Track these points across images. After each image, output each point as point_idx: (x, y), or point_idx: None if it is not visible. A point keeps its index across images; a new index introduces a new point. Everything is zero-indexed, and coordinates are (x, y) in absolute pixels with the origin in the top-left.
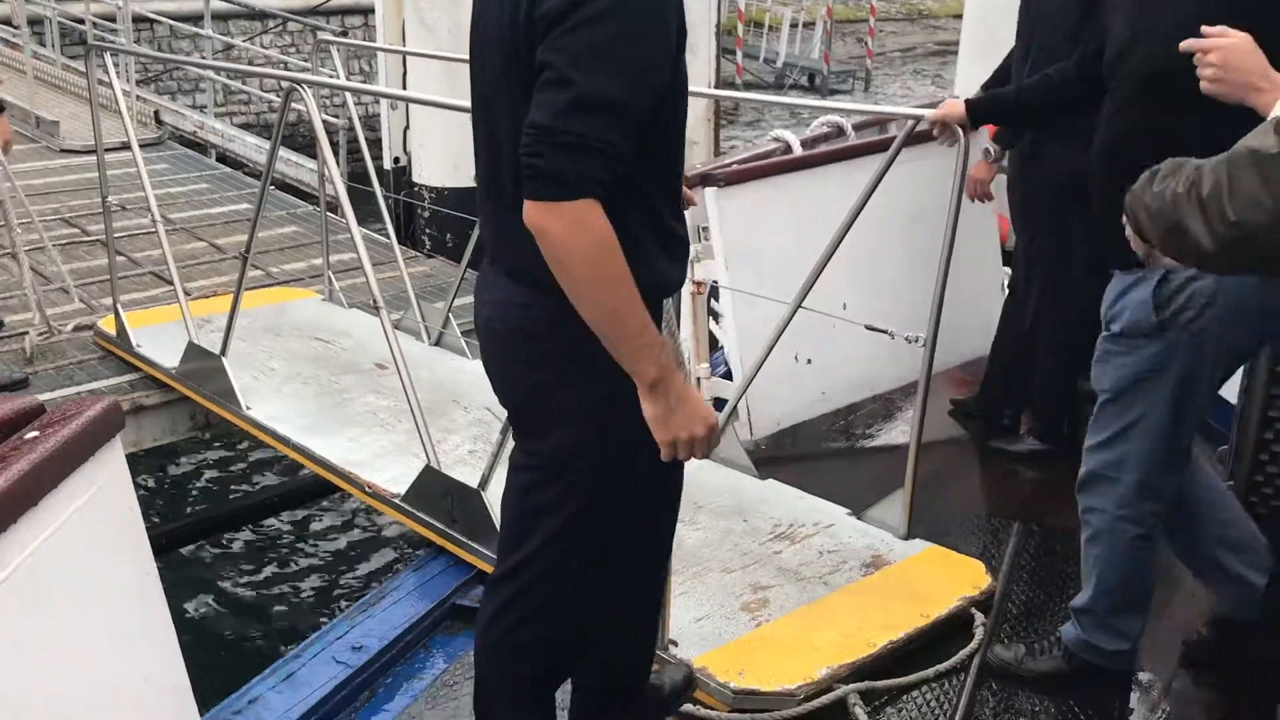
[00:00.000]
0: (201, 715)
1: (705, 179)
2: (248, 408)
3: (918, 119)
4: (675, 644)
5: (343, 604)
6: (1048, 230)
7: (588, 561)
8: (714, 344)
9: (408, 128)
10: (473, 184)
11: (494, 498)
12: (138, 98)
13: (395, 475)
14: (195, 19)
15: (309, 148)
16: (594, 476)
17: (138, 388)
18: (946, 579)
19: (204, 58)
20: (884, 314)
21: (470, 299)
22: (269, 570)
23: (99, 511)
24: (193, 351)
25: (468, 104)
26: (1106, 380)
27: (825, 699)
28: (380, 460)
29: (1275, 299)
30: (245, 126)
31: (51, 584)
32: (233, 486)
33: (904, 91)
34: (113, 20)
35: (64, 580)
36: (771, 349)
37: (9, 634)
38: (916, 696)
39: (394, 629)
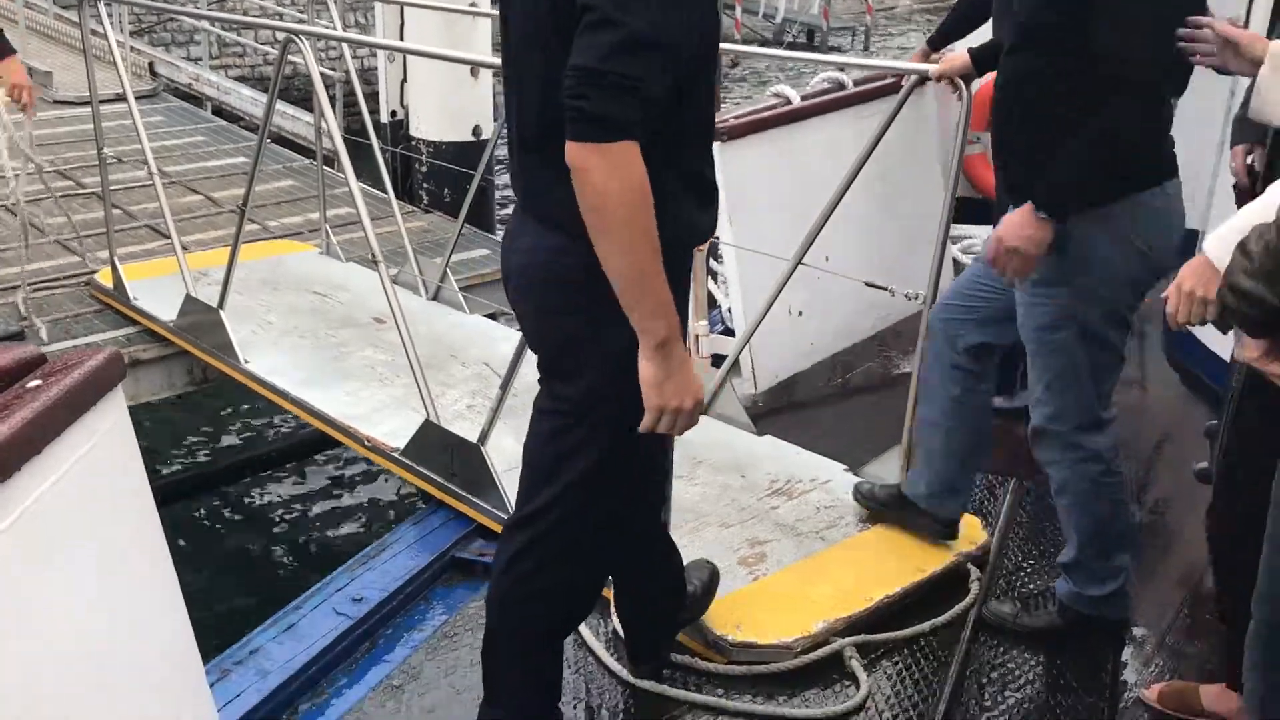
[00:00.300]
0: (203, 665)
1: None
2: (246, 361)
3: (923, 75)
4: None
5: (342, 557)
6: None
7: (609, 508)
8: (710, 303)
9: (405, 81)
10: (470, 138)
11: (493, 452)
12: (132, 49)
13: (394, 429)
14: None
15: (305, 101)
16: (620, 421)
17: (135, 342)
18: None
19: (199, 8)
20: (873, 267)
21: (469, 254)
22: (268, 524)
23: (102, 460)
24: (190, 305)
25: (466, 55)
26: (1027, 332)
27: (821, 652)
28: (379, 414)
29: (1158, 233)
30: (241, 79)
31: (56, 532)
32: (231, 440)
33: (904, 46)
34: None
35: (68, 528)
36: (773, 303)
37: (14, 580)
38: (912, 650)
39: (394, 581)
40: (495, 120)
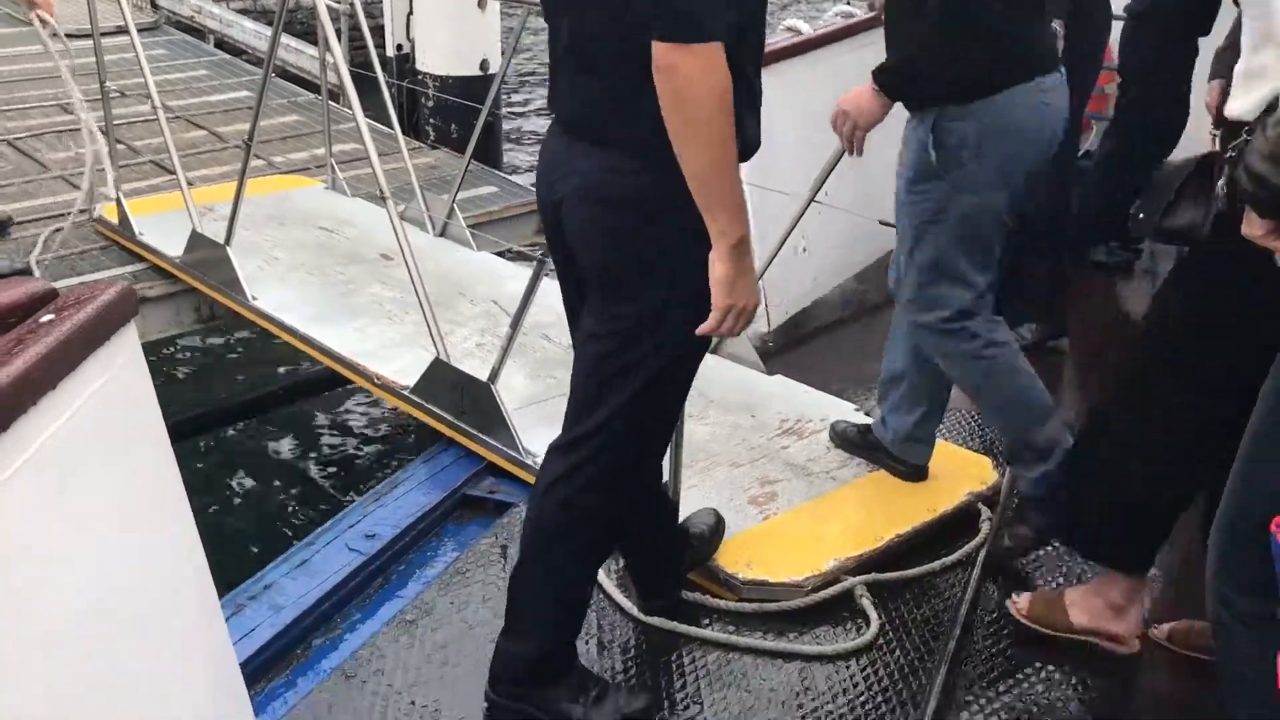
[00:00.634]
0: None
1: None
2: (253, 298)
3: None
4: None
5: (353, 494)
6: None
7: (656, 430)
8: None
9: (411, 13)
10: (478, 72)
11: (504, 390)
12: None
13: (403, 367)
14: None
15: (309, 34)
16: (675, 340)
17: (141, 279)
18: (954, 474)
19: None
20: (872, 200)
21: (476, 191)
22: (277, 460)
23: (116, 396)
24: (196, 240)
25: None
26: (904, 229)
27: (832, 590)
28: (388, 351)
29: (1030, 130)
30: (243, 12)
31: (73, 467)
32: (239, 378)
33: None
34: None
35: (85, 463)
36: (786, 240)
37: (33, 514)
38: (923, 588)
39: (406, 518)
40: (503, 55)
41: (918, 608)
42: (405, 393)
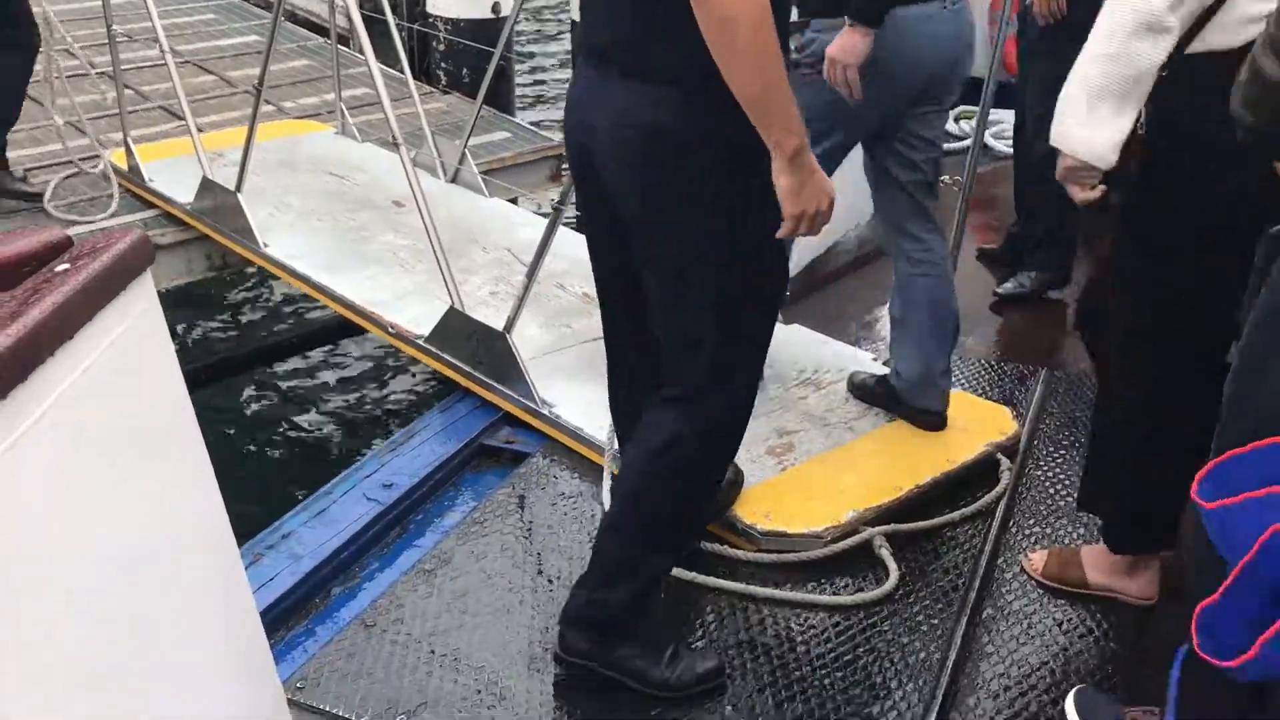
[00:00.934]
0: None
1: None
2: (265, 245)
3: None
4: None
5: (369, 444)
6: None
7: (752, 359)
8: None
9: None
10: (489, 15)
11: (519, 340)
12: None
13: (417, 316)
14: None
15: None
16: (736, 265)
17: (151, 226)
18: (973, 424)
19: None
20: None
21: (488, 137)
22: (293, 410)
23: (134, 346)
24: (207, 187)
25: None
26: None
27: (851, 541)
28: (402, 301)
29: (925, 51)
30: None
31: (91, 418)
32: (253, 327)
33: None
34: None
35: (103, 414)
36: None
37: (53, 465)
38: (942, 539)
39: (423, 467)
40: None
41: (937, 558)
42: (420, 342)
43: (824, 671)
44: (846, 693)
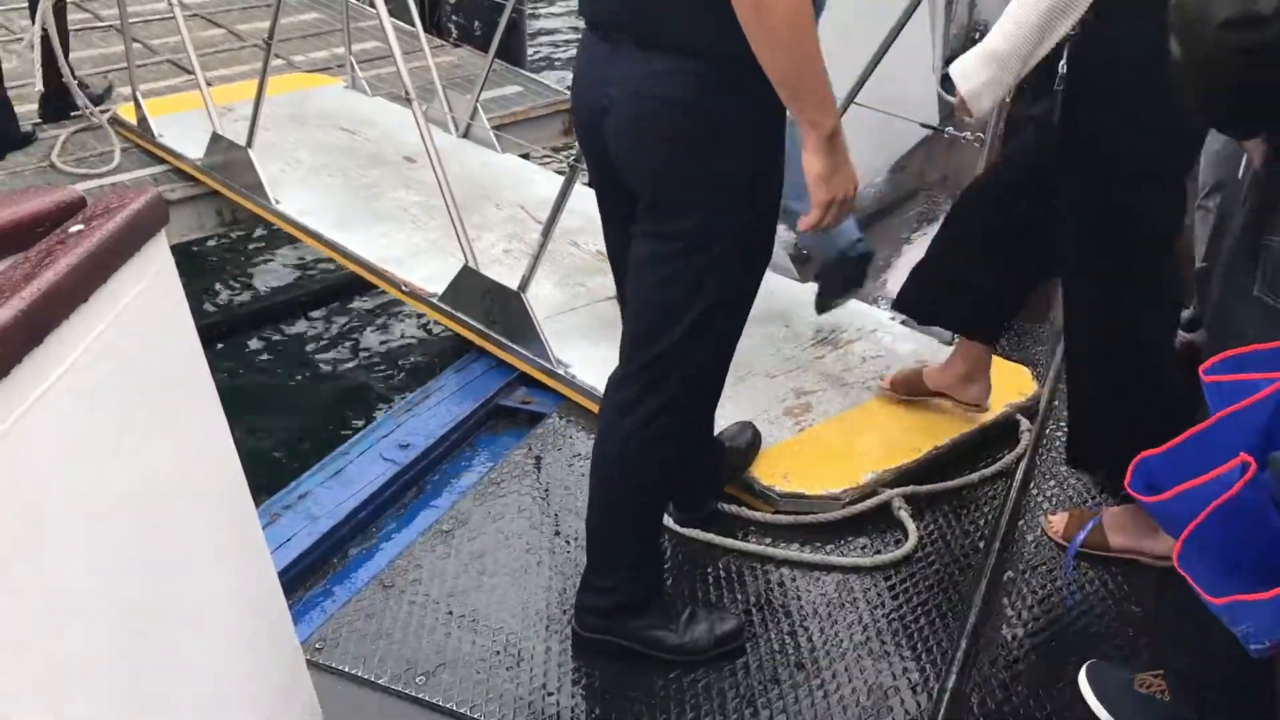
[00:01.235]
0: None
1: None
2: (276, 201)
3: None
4: None
5: (384, 402)
6: None
7: (726, 343)
8: None
9: None
10: None
11: (534, 299)
12: None
13: (431, 274)
14: None
15: None
16: (742, 247)
17: (161, 181)
18: (993, 385)
19: None
20: (893, 101)
21: (500, 91)
22: (306, 368)
23: (149, 306)
24: (217, 142)
25: None
26: None
27: (870, 502)
28: (415, 258)
29: None
30: None
31: (107, 379)
32: (264, 283)
33: None
34: None
35: (119, 375)
36: None
37: (71, 427)
38: (961, 500)
39: (440, 428)
40: None
41: (956, 520)
42: (434, 300)
43: (842, 634)
44: (865, 656)
